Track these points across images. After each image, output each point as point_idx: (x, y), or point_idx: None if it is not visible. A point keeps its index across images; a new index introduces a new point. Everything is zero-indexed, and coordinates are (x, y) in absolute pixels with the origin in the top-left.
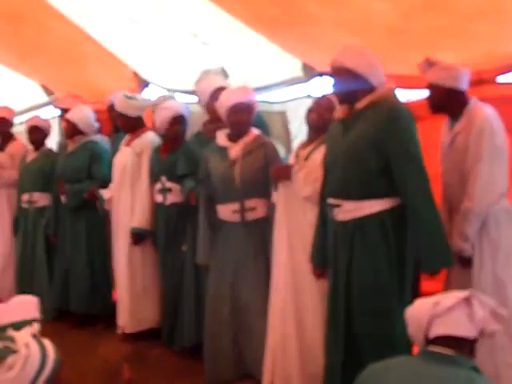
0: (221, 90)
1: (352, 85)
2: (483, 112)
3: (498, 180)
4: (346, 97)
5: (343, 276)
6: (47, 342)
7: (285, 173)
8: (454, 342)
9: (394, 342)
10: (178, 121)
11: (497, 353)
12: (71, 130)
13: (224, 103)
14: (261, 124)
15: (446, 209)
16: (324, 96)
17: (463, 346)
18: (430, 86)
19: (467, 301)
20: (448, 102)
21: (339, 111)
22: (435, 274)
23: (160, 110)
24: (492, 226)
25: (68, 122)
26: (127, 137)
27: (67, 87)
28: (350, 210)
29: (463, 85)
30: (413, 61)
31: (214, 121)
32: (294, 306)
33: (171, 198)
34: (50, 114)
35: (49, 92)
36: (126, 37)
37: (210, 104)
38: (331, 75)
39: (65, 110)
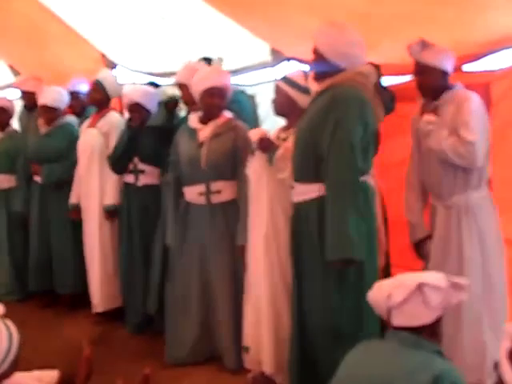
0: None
1: (318, 65)
2: (475, 97)
3: (480, 158)
4: (316, 76)
5: (293, 259)
6: (10, 323)
7: (267, 145)
8: (415, 329)
9: (337, 334)
10: (135, 108)
11: (481, 344)
12: (49, 116)
13: (198, 86)
14: (244, 106)
15: (415, 191)
16: (277, 82)
17: (425, 331)
18: (426, 68)
19: (419, 290)
20: (441, 85)
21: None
22: (337, 267)
23: (123, 97)
24: (477, 212)
25: (46, 108)
26: (89, 119)
27: (33, 68)
28: (298, 193)
29: (451, 68)
30: (378, 47)
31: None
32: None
33: (144, 180)
34: (17, 95)
35: (16, 72)
36: (93, 18)
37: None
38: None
39: (25, 92)
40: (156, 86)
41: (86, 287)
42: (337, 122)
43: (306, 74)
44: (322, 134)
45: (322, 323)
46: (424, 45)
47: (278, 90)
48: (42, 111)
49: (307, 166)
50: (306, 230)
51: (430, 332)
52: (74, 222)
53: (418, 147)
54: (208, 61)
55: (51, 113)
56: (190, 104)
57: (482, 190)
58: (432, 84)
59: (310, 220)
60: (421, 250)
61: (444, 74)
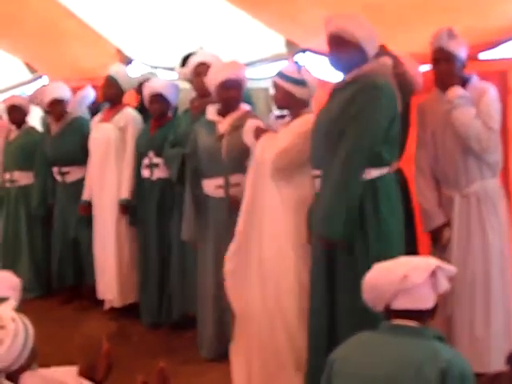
0: (202, 65)
1: (347, 53)
2: (493, 90)
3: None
4: (341, 66)
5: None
6: (25, 318)
7: (260, 133)
8: (417, 313)
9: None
10: (156, 99)
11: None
12: (60, 110)
13: (213, 79)
14: (246, 101)
15: (427, 184)
16: (273, 77)
17: (426, 316)
18: (452, 57)
19: (434, 273)
20: (459, 75)
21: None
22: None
23: (144, 88)
24: (495, 199)
25: (56, 102)
26: (101, 114)
27: (49, 65)
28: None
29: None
30: (392, 38)
31: (200, 97)
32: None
33: (158, 173)
34: None
35: (32, 70)
36: (108, 13)
37: (194, 80)
38: (328, 42)
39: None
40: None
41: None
42: (362, 108)
43: (298, 67)
44: (348, 122)
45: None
46: (451, 34)
47: (275, 85)
48: (53, 106)
49: (329, 154)
50: None
51: (430, 316)
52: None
53: (432, 134)
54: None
55: (62, 106)
56: (204, 94)
57: (496, 178)
58: (454, 73)
59: None
60: (439, 237)
61: (463, 66)
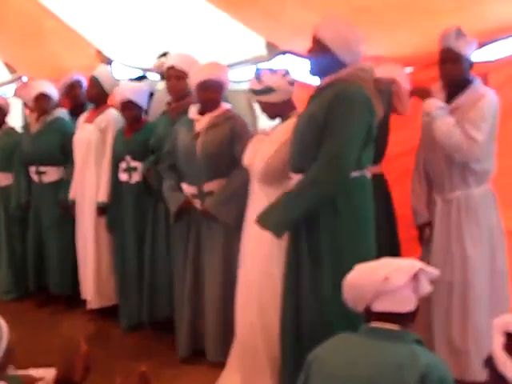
0: (171, 69)
1: (320, 59)
2: (493, 95)
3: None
4: (316, 71)
5: (292, 250)
6: None
7: None
8: (397, 316)
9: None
10: (128, 106)
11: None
12: (45, 106)
13: (193, 79)
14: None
15: (419, 178)
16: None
17: (407, 319)
18: (459, 57)
19: (416, 276)
20: (466, 76)
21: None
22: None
23: (115, 95)
24: (478, 208)
25: (42, 97)
26: (86, 114)
27: (29, 66)
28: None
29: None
30: (376, 41)
31: (175, 100)
32: (258, 288)
33: (136, 177)
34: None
35: (11, 70)
36: (88, 14)
37: (166, 84)
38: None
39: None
40: (143, 78)
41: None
42: (339, 118)
43: (257, 74)
44: (324, 129)
45: (314, 314)
46: (459, 33)
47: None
48: (39, 100)
49: (308, 158)
50: (306, 220)
51: (411, 319)
52: (67, 220)
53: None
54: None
55: (47, 102)
56: (177, 99)
57: (484, 186)
58: (461, 74)
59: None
60: (421, 234)
61: (470, 66)
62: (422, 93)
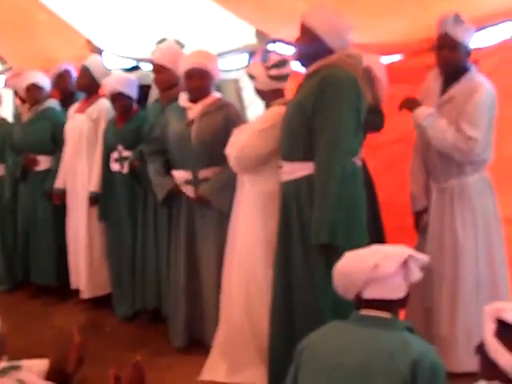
0: (155, 64)
1: (309, 46)
2: (488, 85)
3: (477, 152)
4: (304, 58)
5: (281, 238)
6: None
7: None
8: (388, 303)
9: (321, 313)
10: (116, 98)
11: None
12: (36, 96)
13: (181, 68)
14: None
15: (418, 163)
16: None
17: (396, 306)
18: (455, 43)
19: (405, 263)
20: (463, 63)
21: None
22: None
23: (104, 86)
24: (473, 194)
25: (33, 87)
26: (77, 104)
27: (20, 56)
28: (287, 172)
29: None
30: (364, 29)
31: (163, 90)
32: (245, 277)
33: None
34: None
35: (2, 61)
36: (78, 4)
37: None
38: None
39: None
40: (136, 68)
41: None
42: (329, 104)
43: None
44: (313, 115)
45: (308, 300)
46: (457, 19)
47: None
48: (30, 91)
49: (297, 146)
50: (295, 206)
51: (401, 306)
52: (57, 209)
53: None
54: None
55: (38, 92)
56: (163, 90)
57: (479, 173)
58: (457, 61)
59: (300, 197)
60: (418, 221)
61: (468, 52)
62: (410, 104)
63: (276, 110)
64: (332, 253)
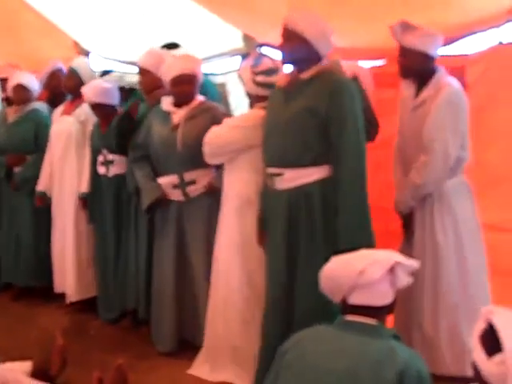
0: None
1: (298, 51)
2: (452, 85)
3: (452, 155)
4: (292, 63)
5: (285, 245)
6: None
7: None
8: (374, 310)
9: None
10: (96, 107)
11: (458, 333)
12: (22, 97)
13: (166, 74)
14: (209, 94)
15: (399, 168)
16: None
17: (382, 312)
18: (406, 51)
19: (392, 269)
20: (423, 68)
21: (282, 79)
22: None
23: (87, 90)
24: (452, 198)
25: (20, 88)
26: (63, 106)
27: (6, 57)
28: (290, 179)
29: (437, 52)
30: (351, 33)
31: (147, 92)
32: (238, 272)
33: (114, 170)
34: None
35: None
36: (65, 5)
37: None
38: (281, 35)
39: (2, 80)
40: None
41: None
42: (347, 109)
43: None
44: (327, 120)
45: (316, 303)
46: (405, 27)
47: None
48: (16, 91)
49: (307, 151)
50: (305, 214)
51: (388, 312)
52: (38, 212)
53: (400, 126)
54: (171, 47)
55: (25, 93)
56: (148, 92)
57: (458, 176)
58: (411, 67)
59: (311, 203)
60: (407, 224)
61: (425, 57)
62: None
63: (257, 112)
64: None
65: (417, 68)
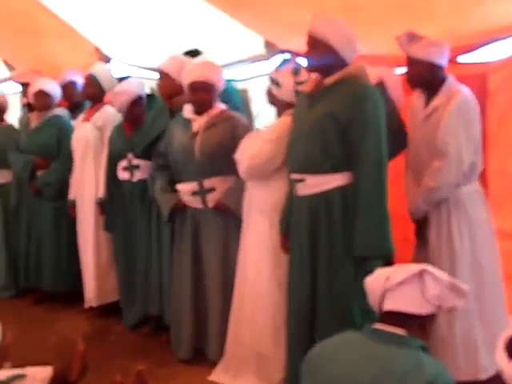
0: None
1: (323, 58)
2: (463, 92)
3: (465, 160)
4: (317, 70)
5: (307, 250)
6: None
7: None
8: (404, 318)
9: (352, 320)
10: (137, 102)
11: (472, 338)
12: (44, 103)
13: (184, 80)
14: (233, 100)
15: (411, 177)
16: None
17: (414, 323)
18: (413, 61)
19: (421, 276)
20: (430, 77)
21: (307, 85)
22: (366, 261)
23: (117, 95)
24: (468, 205)
25: (41, 94)
26: (84, 113)
27: (28, 63)
28: (312, 185)
29: (445, 61)
30: (370, 40)
31: (167, 97)
32: (251, 291)
33: (139, 175)
34: (12, 90)
35: (10, 67)
36: (87, 11)
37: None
38: (307, 45)
39: (24, 85)
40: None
41: (79, 283)
42: (370, 115)
43: (295, 69)
44: (349, 126)
45: (338, 312)
46: (411, 37)
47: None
48: (37, 97)
49: (329, 157)
50: (325, 218)
51: (420, 324)
52: (58, 216)
53: (411, 134)
54: (193, 54)
55: (46, 99)
56: (167, 97)
57: (472, 183)
58: (420, 77)
59: (332, 209)
60: (420, 230)
61: (434, 67)
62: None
63: (285, 120)
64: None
65: (424, 77)
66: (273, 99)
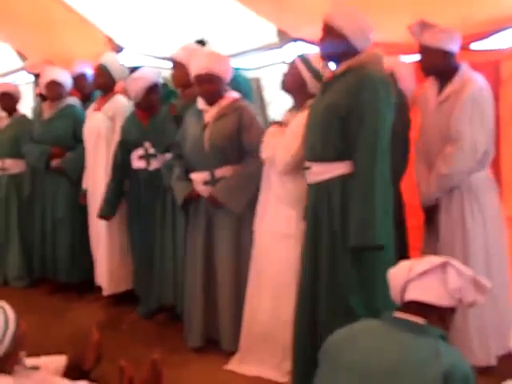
0: (173, 61)
1: (335, 46)
2: (476, 80)
3: (479, 149)
4: (330, 57)
5: (311, 237)
6: (3, 303)
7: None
8: (425, 308)
9: (350, 309)
10: (153, 90)
11: (484, 324)
12: (56, 93)
13: (191, 72)
14: (242, 88)
15: (422, 164)
16: (296, 58)
17: (434, 314)
18: (426, 49)
19: (443, 268)
20: (443, 65)
21: (327, 73)
22: (357, 253)
23: (133, 81)
24: (479, 191)
25: (53, 84)
26: (95, 103)
27: (40, 53)
28: (316, 173)
29: (456, 47)
30: (383, 27)
31: (181, 87)
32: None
33: (155, 164)
34: (25, 80)
35: (23, 57)
36: (99, 1)
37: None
38: (321, 32)
39: (37, 75)
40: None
41: (93, 273)
42: (367, 104)
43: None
44: (348, 116)
45: (336, 299)
46: (424, 25)
47: (292, 66)
48: (49, 87)
49: (330, 146)
50: (326, 207)
51: (440, 315)
52: (77, 207)
53: (422, 122)
54: (202, 43)
55: (58, 89)
56: (180, 86)
57: (484, 170)
58: (433, 65)
59: (332, 198)
60: (429, 217)
61: (446, 54)
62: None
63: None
64: (363, 253)
65: (437, 65)
66: (302, 88)
